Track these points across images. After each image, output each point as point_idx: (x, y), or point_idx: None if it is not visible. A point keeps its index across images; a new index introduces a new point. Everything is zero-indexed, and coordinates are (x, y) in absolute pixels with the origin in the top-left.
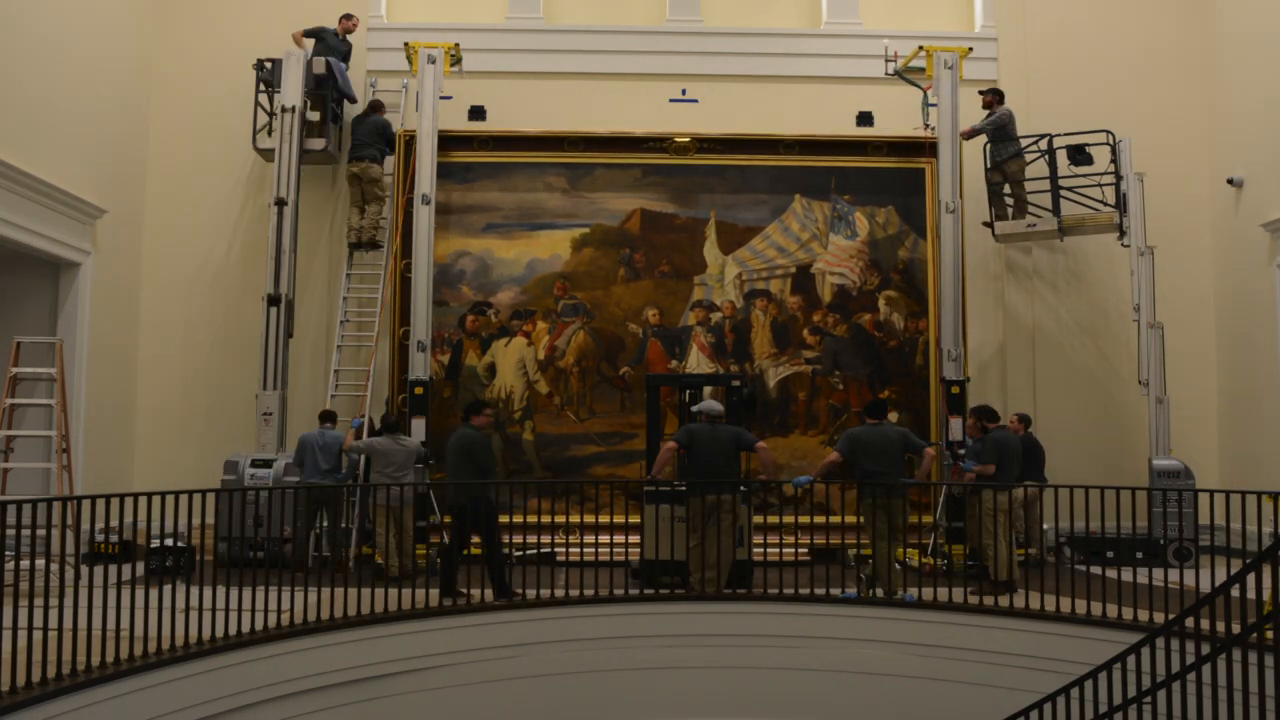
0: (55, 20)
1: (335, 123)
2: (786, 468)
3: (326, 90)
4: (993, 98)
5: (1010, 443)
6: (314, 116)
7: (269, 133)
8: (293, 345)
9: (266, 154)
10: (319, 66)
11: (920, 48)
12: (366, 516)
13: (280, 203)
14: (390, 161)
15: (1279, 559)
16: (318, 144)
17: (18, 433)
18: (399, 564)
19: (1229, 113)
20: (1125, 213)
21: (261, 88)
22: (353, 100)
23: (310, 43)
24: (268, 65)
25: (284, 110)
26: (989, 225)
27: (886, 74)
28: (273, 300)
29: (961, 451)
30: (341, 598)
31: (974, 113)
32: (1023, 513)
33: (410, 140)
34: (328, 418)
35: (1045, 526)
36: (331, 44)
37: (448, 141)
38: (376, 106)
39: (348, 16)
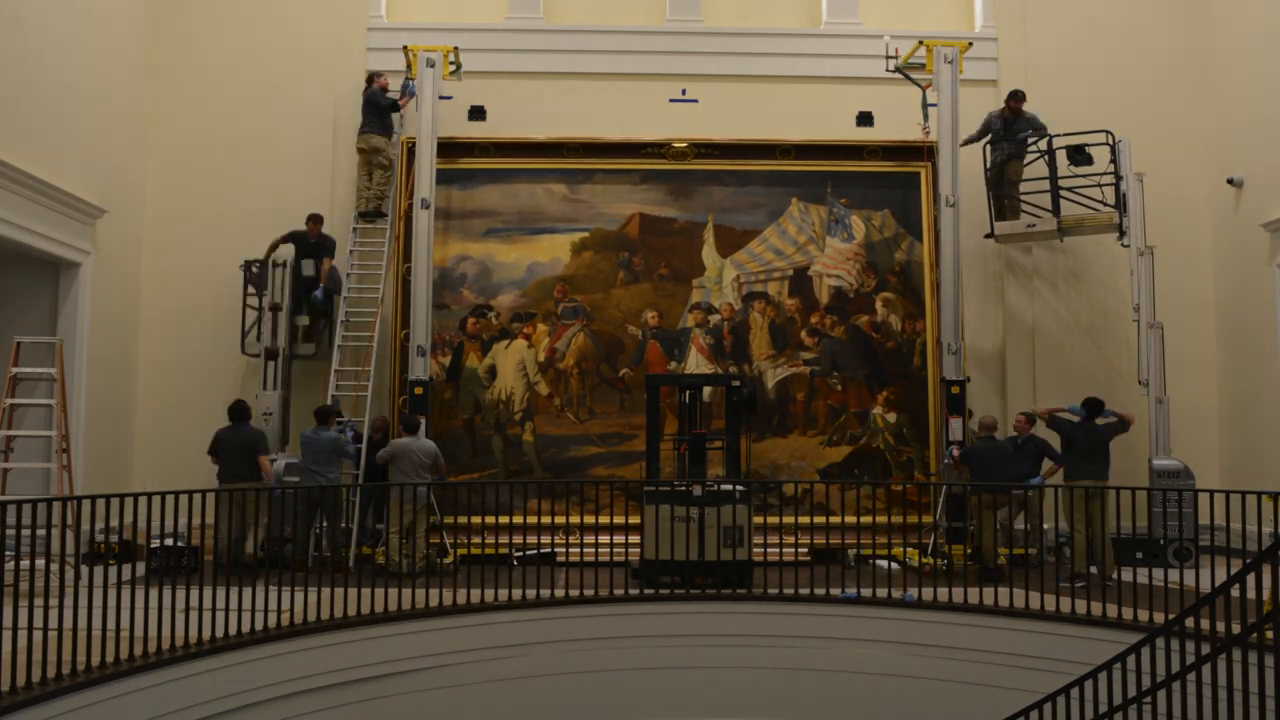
0: (56, 20)
1: (325, 317)
2: (786, 468)
3: (312, 297)
4: (1017, 102)
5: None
6: (303, 321)
7: (258, 336)
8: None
9: (256, 357)
10: (307, 269)
11: (920, 42)
12: (367, 516)
13: (274, 308)
14: (395, 131)
15: (1279, 559)
16: (308, 349)
17: (18, 433)
18: (408, 562)
19: (1229, 113)
20: (1125, 213)
21: (250, 290)
22: (338, 294)
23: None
24: (254, 268)
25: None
26: (990, 237)
27: (887, 70)
28: (270, 355)
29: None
30: (341, 598)
31: (973, 110)
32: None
33: (411, 146)
34: (324, 415)
35: (1046, 526)
36: (306, 245)
37: (449, 147)
38: (371, 79)
39: (381, 75)
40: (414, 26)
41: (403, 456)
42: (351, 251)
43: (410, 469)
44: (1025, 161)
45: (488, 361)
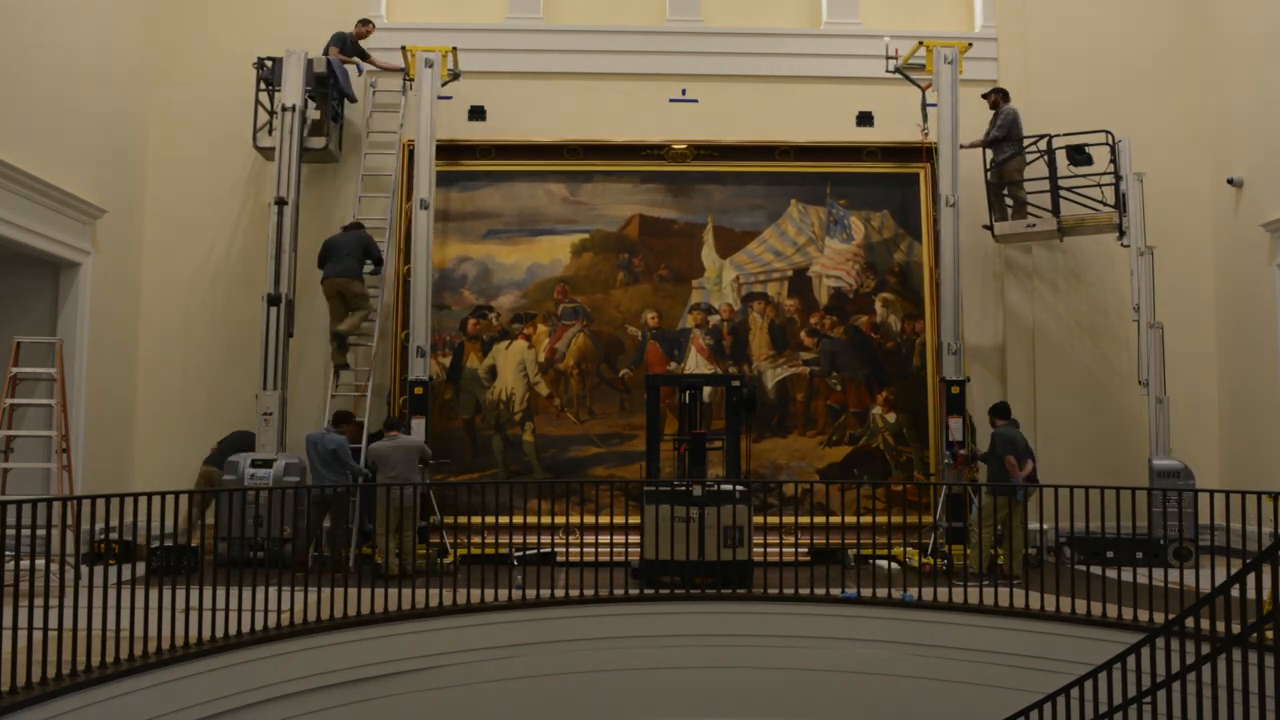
0: (56, 20)
1: (336, 121)
2: (786, 468)
3: (327, 89)
4: (998, 96)
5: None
6: (314, 115)
7: (269, 131)
8: (293, 345)
9: (267, 152)
10: (320, 65)
11: (920, 43)
12: (367, 517)
13: (280, 202)
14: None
15: (1279, 559)
16: (318, 142)
17: (18, 433)
18: (398, 564)
19: (1229, 113)
20: (1125, 213)
21: (262, 86)
22: (353, 99)
23: (332, 51)
24: (268, 64)
25: (284, 109)
26: (989, 228)
27: (887, 71)
28: (273, 300)
29: (962, 451)
30: (341, 598)
31: (972, 111)
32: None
33: (410, 147)
34: (341, 420)
35: (1046, 526)
36: (349, 50)
37: (449, 149)
38: (358, 225)
39: (365, 21)
40: (414, 26)
41: (383, 460)
42: None
43: (401, 466)
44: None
45: (488, 362)
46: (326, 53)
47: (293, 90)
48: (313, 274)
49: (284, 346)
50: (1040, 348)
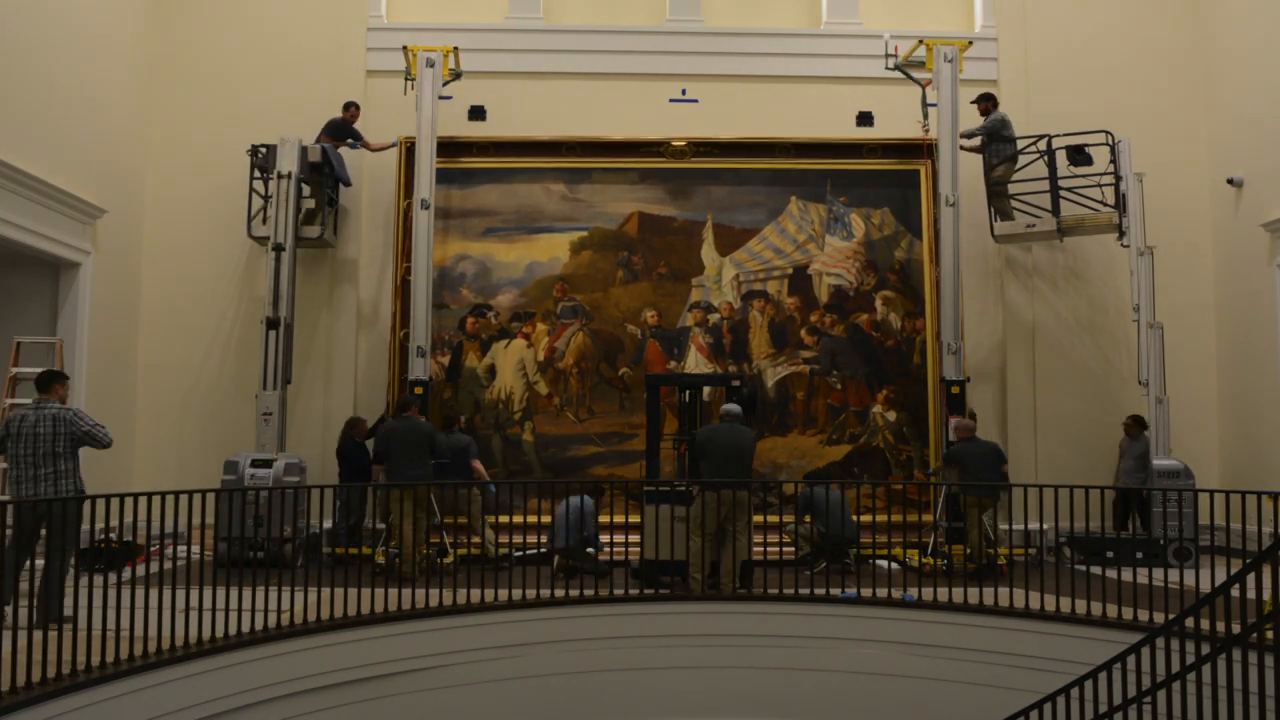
0: (55, 21)
1: (331, 206)
2: (786, 467)
3: (322, 176)
4: (987, 103)
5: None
6: (310, 204)
7: (264, 220)
8: (294, 346)
9: (261, 240)
10: (314, 154)
11: (920, 41)
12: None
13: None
14: None
15: (1279, 559)
16: (313, 231)
17: None
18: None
19: (1229, 113)
20: (1125, 213)
21: (256, 174)
22: (347, 184)
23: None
24: (262, 151)
25: (280, 177)
26: (990, 233)
27: (887, 68)
28: (271, 324)
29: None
30: (341, 598)
31: (972, 110)
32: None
33: (410, 145)
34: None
35: (1046, 526)
36: (342, 134)
37: (448, 147)
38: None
39: (352, 106)
40: (414, 26)
41: None
42: None
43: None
44: (1017, 165)
45: (487, 361)
46: (319, 141)
47: (287, 162)
48: (314, 274)
49: (285, 355)
50: (1040, 347)
